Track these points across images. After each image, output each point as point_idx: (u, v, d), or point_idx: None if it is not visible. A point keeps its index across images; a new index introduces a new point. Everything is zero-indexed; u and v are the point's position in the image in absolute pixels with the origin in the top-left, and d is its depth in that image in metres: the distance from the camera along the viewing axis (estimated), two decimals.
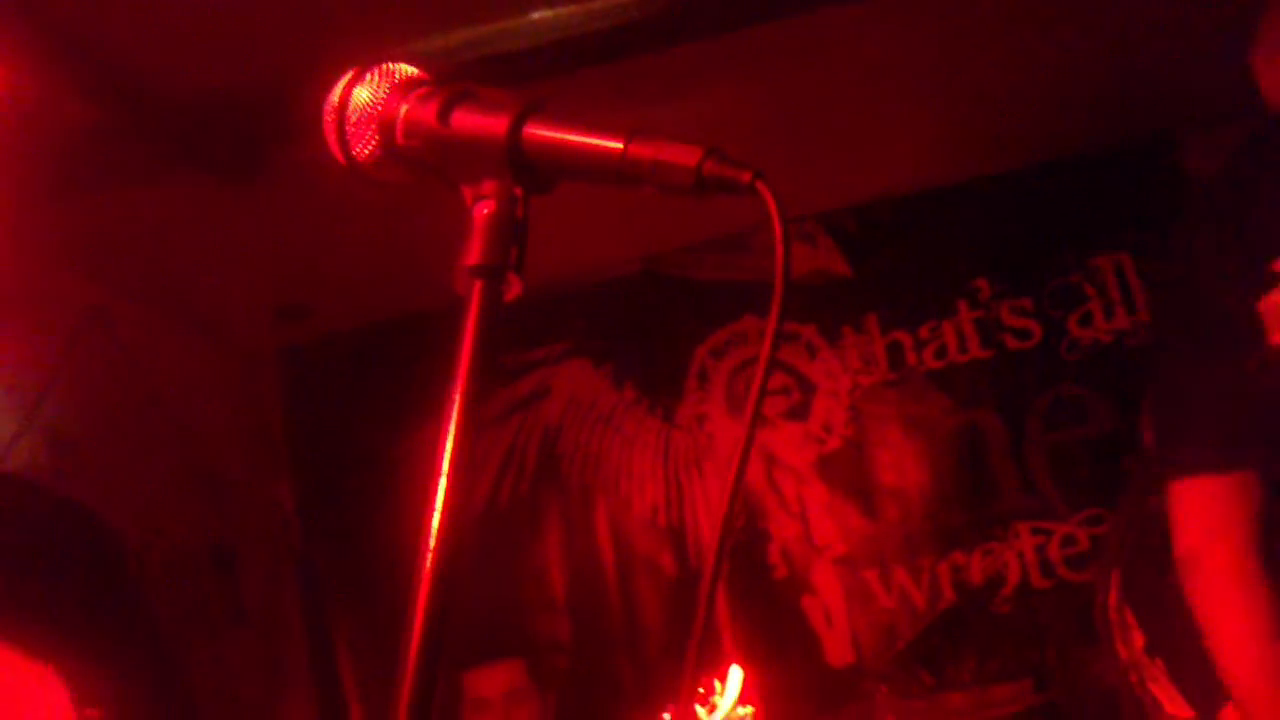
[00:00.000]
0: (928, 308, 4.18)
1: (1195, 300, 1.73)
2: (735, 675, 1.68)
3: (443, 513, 0.84)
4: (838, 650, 3.98)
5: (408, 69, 0.94)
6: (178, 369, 3.93)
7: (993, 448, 4.04)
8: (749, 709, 1.65)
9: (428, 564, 0.83)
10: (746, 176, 0.84)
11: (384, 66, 0.94)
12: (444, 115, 0.90)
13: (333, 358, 4.33)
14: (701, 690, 1.67)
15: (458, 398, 0.84)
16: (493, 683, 3.50)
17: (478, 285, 0.86)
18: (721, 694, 1.67)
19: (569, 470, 4.28)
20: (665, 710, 1.65)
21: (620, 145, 0.85)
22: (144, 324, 3.76)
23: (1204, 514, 1.76)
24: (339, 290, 4.02)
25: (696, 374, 4.26)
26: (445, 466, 0.84)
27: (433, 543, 0.83)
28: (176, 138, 3.18)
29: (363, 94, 0.93)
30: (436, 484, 0.85)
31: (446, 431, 0.84)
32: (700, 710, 1.65)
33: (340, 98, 0.94)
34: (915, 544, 4.02)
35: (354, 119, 0.93)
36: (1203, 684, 2.18)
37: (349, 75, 0.94)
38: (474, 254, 0.87)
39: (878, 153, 3.90)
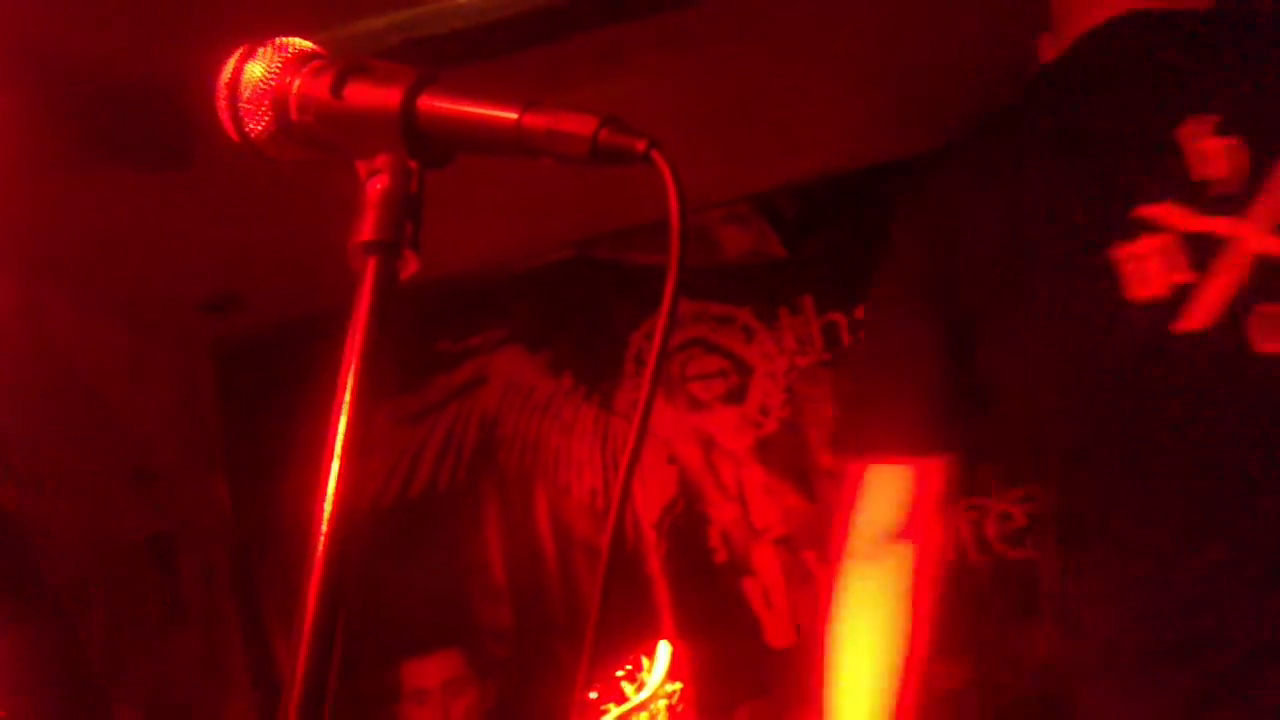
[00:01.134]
0: (864, 288, 4.19)
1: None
2: (663, 651, 1.69)
3: (335, 499, 0.81)
4: (778, 631, 4.01)
5: (300, 43, 0.93)
6: (109, 361, 3.88)
7: None
8: (677, 685, 1.66)
9: (319, 550, 0.80)
10: (641, 145, 0.83)
11: (276, 41, 0.92)
12: (337, 88, 0.89)
13: (267, 351, 4.29)
14: (629, 667, 1.68)
15: (351, 378, 0.83)
16: (431, 673, 3.50)
17: (371, 261, 0.85)
18: (650, 670, 1.67)
19: (507, 457, 4.27)
20: (591, 690, 1.65)
21: (515, 115, 0.84)
22: (73, 315, 3.71)
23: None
24: (272, 281, 3.98)
25: (633, 359, 4.26)
26: (338, 448, 0.82)
27: (324, 529, 0.81)
28: (103, 126, 3.13)
29: (255, 70, 0.91)
30: (328, 468, 0.82)
31: (339, 414, 0.82)
32: (628, 687, 1.66)
33: (232, 74, 0.92)
34: None
35: (247, 95, 0.91)
36: None
37: (240, 51, 0.93)
38: (367, 230, 0.85)
39: (811, 132, 3.91)
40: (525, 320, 4.34)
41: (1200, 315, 1.33)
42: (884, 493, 1.57)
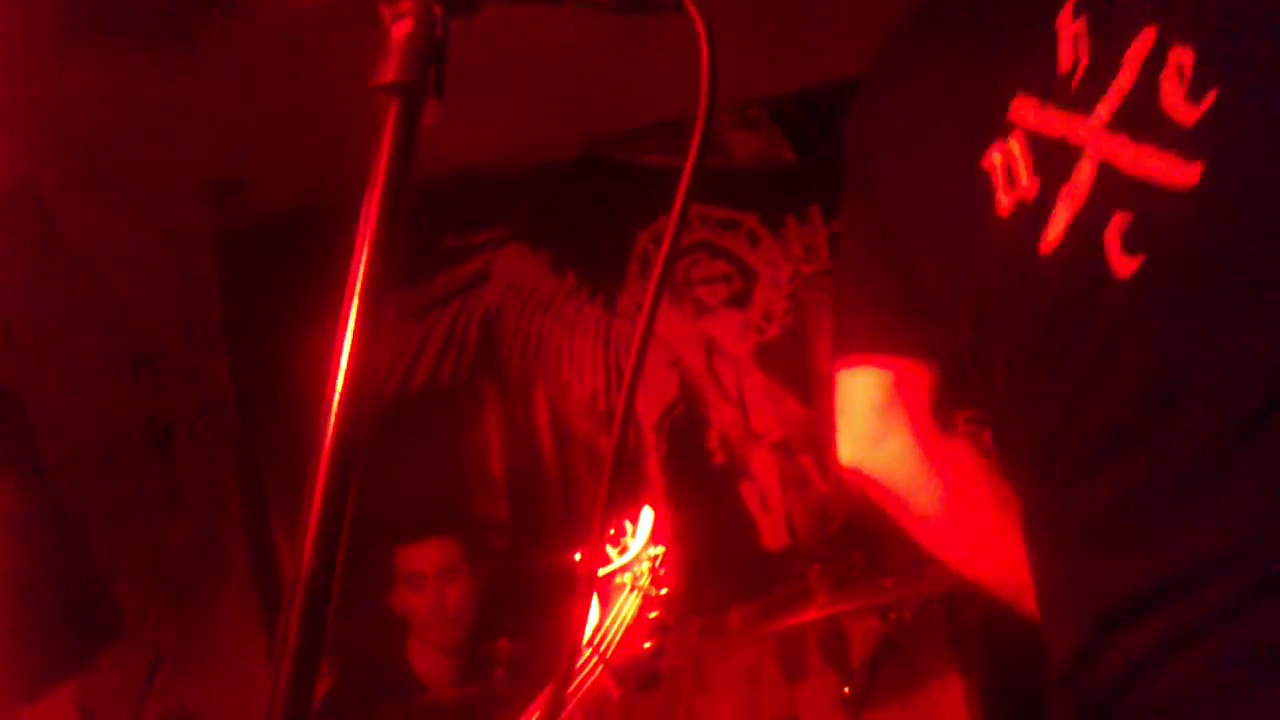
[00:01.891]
0: None
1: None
2: (646, 516, 1.71)
3: (346, 377, 0.78)
4: (773, 533, 4.04)
5: None
6: (110, 247, 3.86)
7: None
8: (660, 549, 1.68)
9: (330, 425, 0.78)
10: None
11: None
12: None
13: (271, 240, 4.26)
14: (613, 531, 1.70)
15: (372, 225, 0.81)
16: (426, 558, 3.52)
17: (394, 105, 0.83)
18: (633, 535, 1.69)
19: (509, 354, 4.27)
20: (576, 552, 1.67)
21: None
22: (75, 199, 3.68)
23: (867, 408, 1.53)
24: (276, 169, 3.94)
25: (638, 260, 4.24)
26: (354, 307, 0.79)
27: (335, 410, 0.78)
28: (104, 2, 3.08)
29: None
30: (343, 336, 0.80)
31: (357, 269, 0.80)
32: (612, 551, 1.68)
33: None
34: None
35: None
36: None
37: None
38: (390, 71, 0.83)
39: (826, 36, 3.85)
40: (529, 218, 4.31)
41: (1055, 233, 1.23)
42: (859, 395, 1.52)
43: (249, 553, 4.05)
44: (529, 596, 3.67)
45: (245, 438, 4.18)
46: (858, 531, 3.66)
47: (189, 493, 3.94)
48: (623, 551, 1.70)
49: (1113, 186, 1.19)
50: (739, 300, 4.21)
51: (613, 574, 1.68)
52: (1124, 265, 1.18)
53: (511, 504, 4.19)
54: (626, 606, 1.64)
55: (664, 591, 1.67)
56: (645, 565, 1.68)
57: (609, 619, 1.63)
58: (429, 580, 3.48)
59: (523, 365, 4.26)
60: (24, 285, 3.43)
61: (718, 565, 3.92)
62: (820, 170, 4.21)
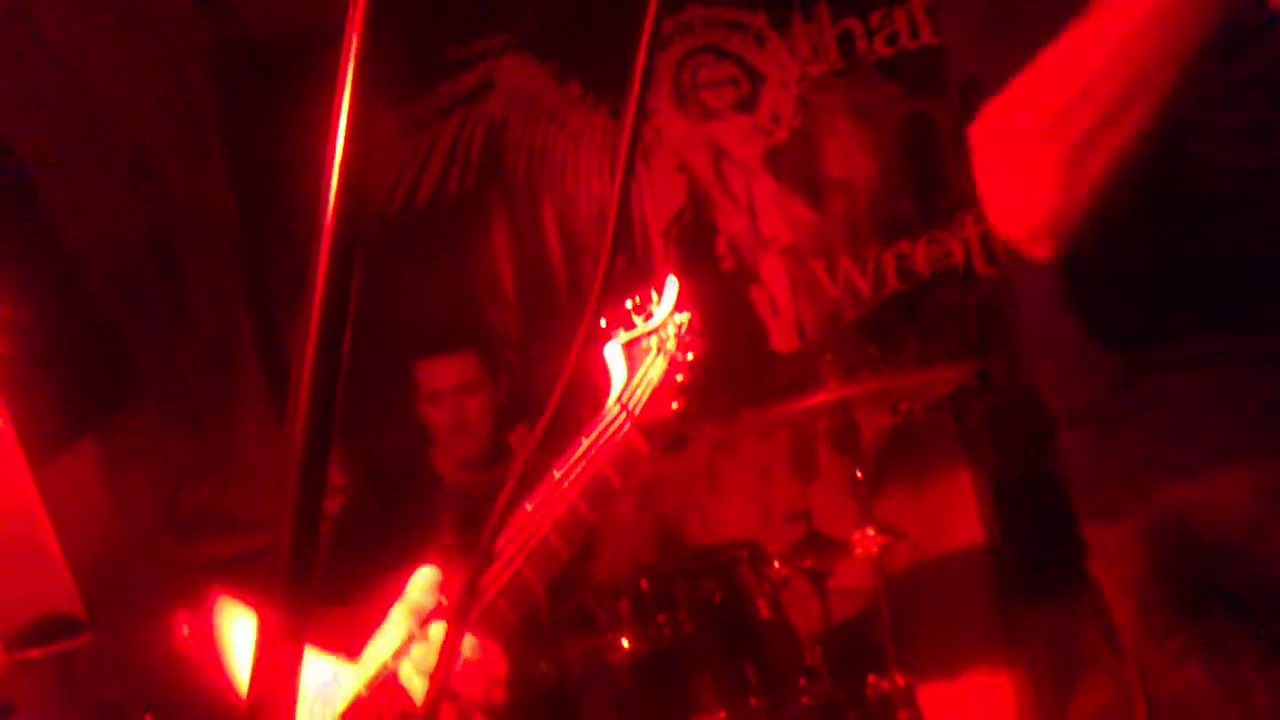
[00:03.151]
0: None
1: None
2: (671, 284, 1.71)
3: (340, 176, 0.72)
4: (783, 337, 4.06)
5: None
6: (106, 65, 3.78)
7: (941, 136, 4.01)
8: (686, 314, 1.68)
9: (325, 227, 0.74)
10: None
11: None
12: None
13: (266, 50, 4.18)
14: (638, 299, 1.70)
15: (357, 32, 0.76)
16: (446, 373, 3.53)
17: None
18: (658, 302, 1.69)
19: (514, 165, 4.23)
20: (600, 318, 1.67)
21: None
22: (68, 17, 3.60)
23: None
24: None
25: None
26: (347, 93, 0.75)
27: (330, 206, 0.74)
28: None
29: None
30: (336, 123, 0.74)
31: (348, 56, 0.76)
32: (637, 318, 1.68)
33: None
34: (861, 234, 4.05)
35: None
36: None
37: None
38: None
39: None
40: (532, 25, 4.22)
41: None
42: None
43: (260, 366, 4.07)
44: (544, 400, 3.71)
45: (250, 250, 4.17)
46: (869, 326, 3.68)
47: (198, 311, 3.94)
48: (648, 318, 1.70)
49: None
50: (746, 104, 4.15)
51: (639, 338, 1.68)
52: None
53: (521, 317, 4.20)
54: (653, 369, 1.65)
55: (690, 357, 1.67)
56: (671, 330, 1.68)
57: (636, 379, 1.64)
58: (447, 395, 3.50)
59: (529, 176, 4.22)
60: (20, 102, 3.38)
61: (727, 370, 3.94)
62: None
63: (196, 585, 1.64)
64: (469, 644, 1.44)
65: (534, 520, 1.51)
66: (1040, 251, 1.27)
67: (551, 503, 1.52)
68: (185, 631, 1.57)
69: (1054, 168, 1.21)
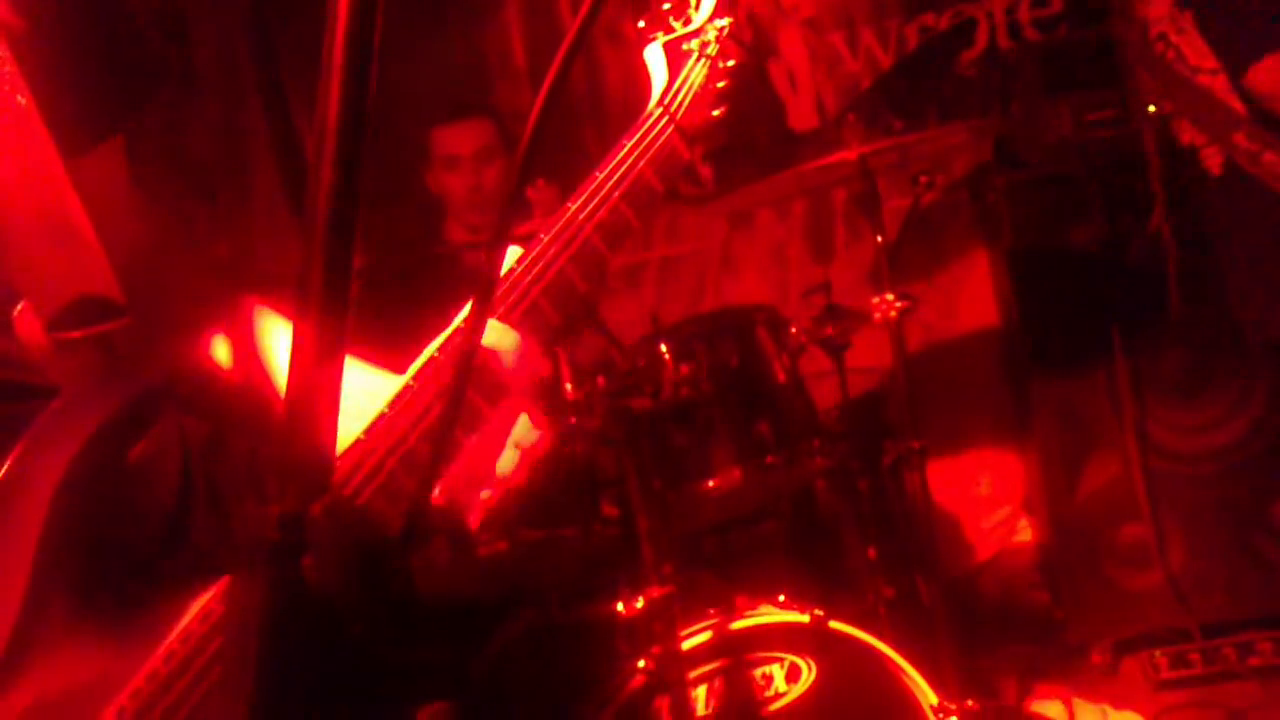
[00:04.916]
0: None
1: None
2: None
3: None
4: (801, 114, 3.98)
5: None
6: None
7: None
8: (727, 19, 1.62)
9: None
10: None
11: None
12: None
13: None
14: (671, 3, 1.64)
15: None
16: (463, 139, 3.48)
17: None
18: (696, 6, 1.63)
19: None
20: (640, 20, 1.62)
21: None
22: None
23: None
24: None
25: None
26: None
27: None
28: None
29: None
30: None
31: None
32: (675, 22, 1.63)
33: None
34: (884, 5, 3.93)
35: None
36: (1230, 35, 2.13)
37: None
38: None
39: None
40: None
41: None
42: None
43: (271, 137, 4.00)
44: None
45: (260, 24, 4.05)
46: (888, 90, 3.58)
47: (204, 78, 3.86)
48: (686, 22, 1.64)
49: None
50: None
51: (679, 39, 1.63)
52: None
53: (533, 89, 4.11)
54: (695, 73, 1.60)
55: (731, 63, 1.62)
56: (712, 34, 1.62)
57: (677, 83, 1.59)
58: (465, 161, 3.45)
59: None
60: None
61: (744, 148, 3.88)
62: None
63: (233, 295, 1.62)
64: (511, 338, 1.42)
65: (576, 220, 1.48)
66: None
67: (594, 203, 1.49)
68: (221, 336, 1.55)
69: None
